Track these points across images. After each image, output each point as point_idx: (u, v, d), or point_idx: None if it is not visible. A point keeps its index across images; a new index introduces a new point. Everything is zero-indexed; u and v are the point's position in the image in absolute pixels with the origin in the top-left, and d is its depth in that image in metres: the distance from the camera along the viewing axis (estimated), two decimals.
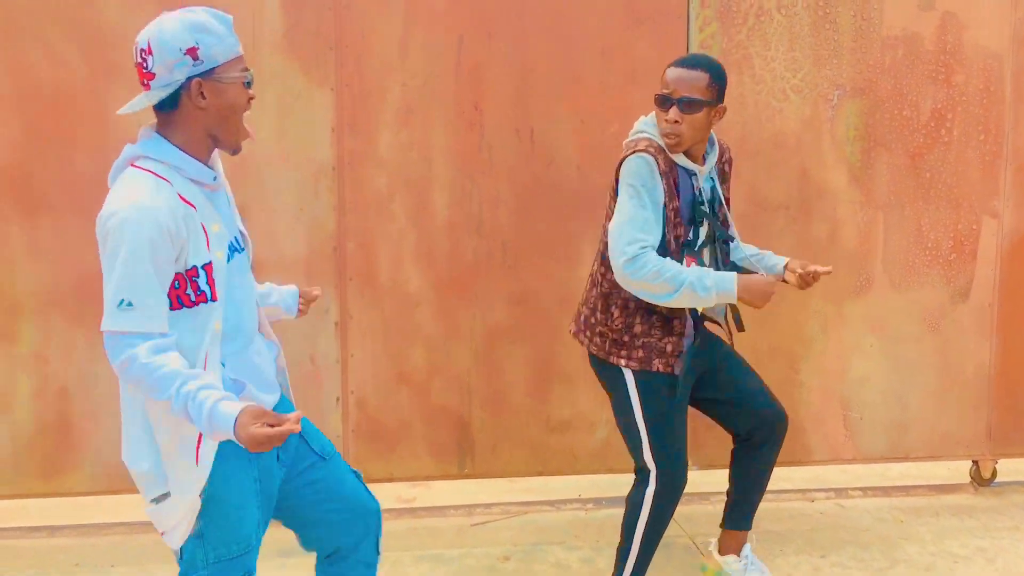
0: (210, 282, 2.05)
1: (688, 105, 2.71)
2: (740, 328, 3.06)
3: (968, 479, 4.21)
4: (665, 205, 2.73)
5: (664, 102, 2.76)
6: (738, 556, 3.20)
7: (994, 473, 4.18)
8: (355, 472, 2.48)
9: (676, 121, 2.72)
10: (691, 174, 2.82)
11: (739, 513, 3.19)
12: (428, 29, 3.65)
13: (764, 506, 3.91)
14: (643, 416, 2.86)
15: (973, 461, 4.18)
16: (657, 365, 2.83)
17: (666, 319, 2.83)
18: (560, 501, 3.98)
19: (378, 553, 2.47)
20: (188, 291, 2.02)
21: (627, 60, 3.75)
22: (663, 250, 2.74)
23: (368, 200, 3.69)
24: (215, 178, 2.15)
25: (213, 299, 2.06)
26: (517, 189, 3.76)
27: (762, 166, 3.85)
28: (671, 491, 2.90)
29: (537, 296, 3.81)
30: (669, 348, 2.83)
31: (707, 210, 2.85)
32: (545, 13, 3.71)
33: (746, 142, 3.81)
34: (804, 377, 3.98)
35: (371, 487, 3.89)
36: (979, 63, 3.92)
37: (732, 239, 3.00)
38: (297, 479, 2.31)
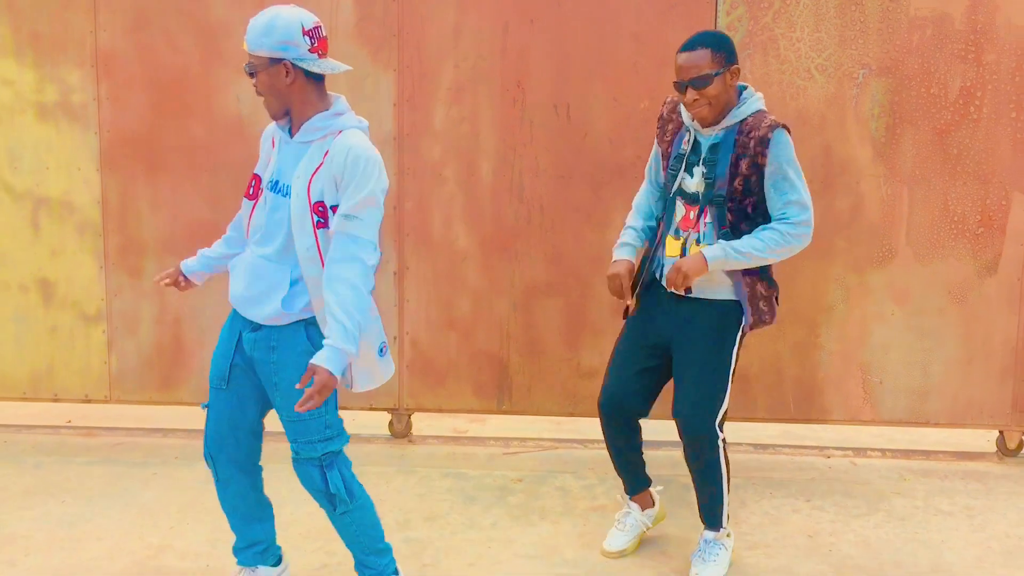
0: (255, 189, 2.73)
1: (698, 82, 2.95)
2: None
3: (995, 449, 4.33)
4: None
5: (680, 88, 3.01)
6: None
7: (1020, 444, 4.27)
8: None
9: (695, 100, 2.97)
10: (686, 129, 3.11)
11: (700, 509, 3.24)
12: (478, 17, 4.16)
13: (776, 458, 4.26)
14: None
15: (999, 431, 4.29)
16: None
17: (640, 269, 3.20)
18: (590, 440, 4.43)
19: None
20: (251, 188, 2.77)
21: (658, 43, 4.11)
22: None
23: (424, 167, 4.26)
24: (290, 133, 2.73)
25: (249, 199, 2.78)
26: (554, 159, 4.22)
27: None
28: (601, 414, 3.24)
29: (571, 256, 4.26)
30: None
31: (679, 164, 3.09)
32: (583, 1, 4.13)
33: None
34: (824, 341, 4.23)
35: (423, 416, 4.54)
36: (1012, 41, 4.00)
37: (720, 204, 3.04)
38: None
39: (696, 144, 3.07)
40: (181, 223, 4.34)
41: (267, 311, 2.66)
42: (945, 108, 4.06)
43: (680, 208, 3.07)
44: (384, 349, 2.77)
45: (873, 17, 4.04)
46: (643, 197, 3.31)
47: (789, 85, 4.09)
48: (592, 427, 4.49)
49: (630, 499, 3.37)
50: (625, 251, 3.18)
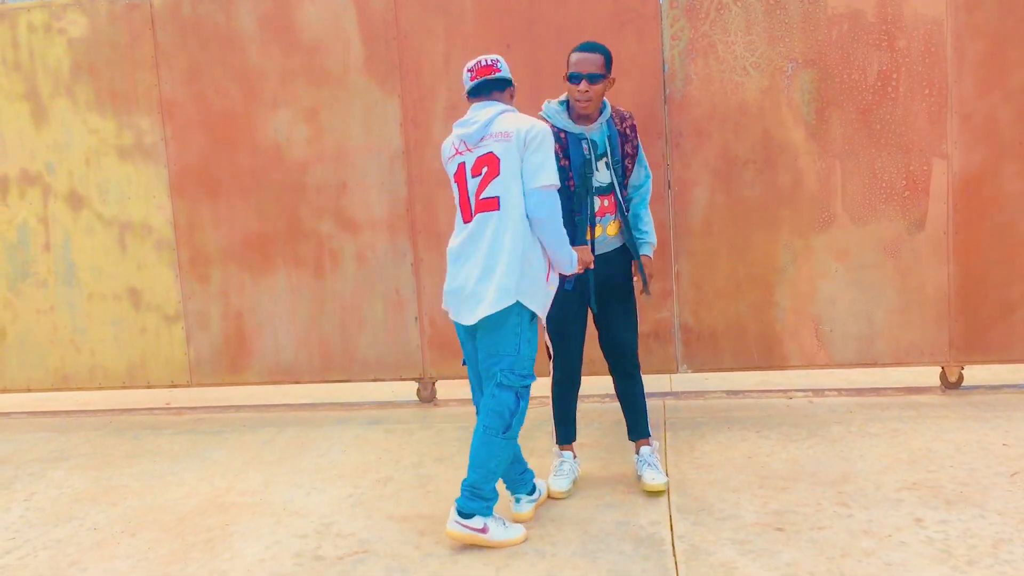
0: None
1: (593, 77, 3.65)
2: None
3: (939, 383, 4.93)
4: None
5: (575, 79, 3.68)
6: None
7: (960, 378, 4.87)
8: None
9: (586, 91, 3.65)
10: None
11: (631, 427, 4.02)
12: (463, 47, 4.99)
13: (743, 401, 4.96)
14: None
15: (941, 367, 4.89)
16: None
17: None
18: (589, 396, 5.19)
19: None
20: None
21: (616, 56, 4.85)
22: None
23: (429, 175, 5.10)
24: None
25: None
26: None
27: (731, 130, 4.81)
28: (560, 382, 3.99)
29: None
30: None
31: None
32: (551, 25, 4.91)
33: (715, 111, 4.80)
34: (779, 299, 4.90)
35: (443, 383, 5.36)
36: (920, 28, 4.62)
37: (621, 183, 3.87)
38: None
39: (593, 144, 3.77)
40: (237, 235, 5.29)
41: None
42: (866, 91, 4.70)
43: (596, 202, 3.78)
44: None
45: (796, 18, 4.71)
46: None
47: (729, 82, 4.79)
48: (588, 383, 5.26)
49: (561, 448, 4.03)
50: None
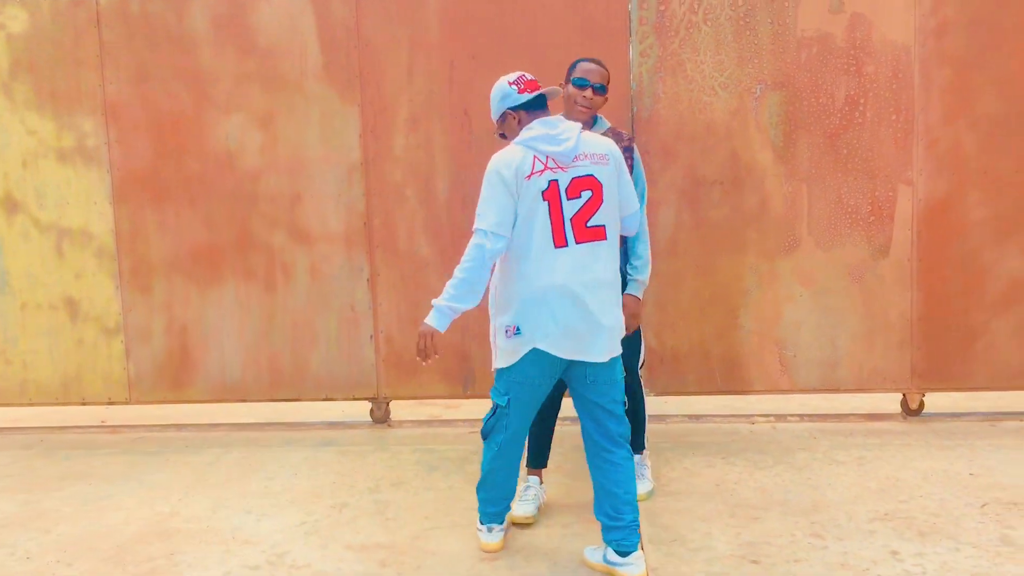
0: None
1: (600, 87, 3.69)
2: None
3: (900, 410, 4.91)
4: None
5: (582, 84, 3.69)
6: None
7: (921, 404, 4.85)
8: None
9: (590, 99, 3.68)
10: None
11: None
12: (427, 57, 4.84)
13: (706, 426, 4.87)
14: None
15: (902, 394, 4.87)
16: None
17: None
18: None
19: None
20: None
21: None
22: None
23: (388, 188, 4.93)
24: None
25: None
26: None
27: (698, 150, 4.74)
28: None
29: None
30: None
31: None
32: (518, 38, 4.79)
33: (683, 131, 4.72)
34: (743, 322, 4.83)
35: (399, 403, 5.18)
36: (888, 55, 4.61)
37: None
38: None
39: None
40: (183, 245, 5.04)
41: None
42: (833, 115, 4.67)
43: None
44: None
45: (765, 39, 4.66)
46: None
47: (697, 101, 4.72)
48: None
49: (529, 472, 3.89)
50: None
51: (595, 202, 3.13)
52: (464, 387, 5.03)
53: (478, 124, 4.84)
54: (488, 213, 3.11)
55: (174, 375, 5.14)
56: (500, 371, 3.29)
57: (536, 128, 3.17)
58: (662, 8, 4.70)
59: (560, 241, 3.11)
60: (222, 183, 4.98)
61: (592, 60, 3.77)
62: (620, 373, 3.27)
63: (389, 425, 5.11)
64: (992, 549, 3.27)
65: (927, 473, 4.05)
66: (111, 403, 5.17)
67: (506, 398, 3.27)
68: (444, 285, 3.20)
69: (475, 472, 4.33)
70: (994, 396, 5.13)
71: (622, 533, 3.17)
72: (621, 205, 3.28)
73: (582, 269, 3.11)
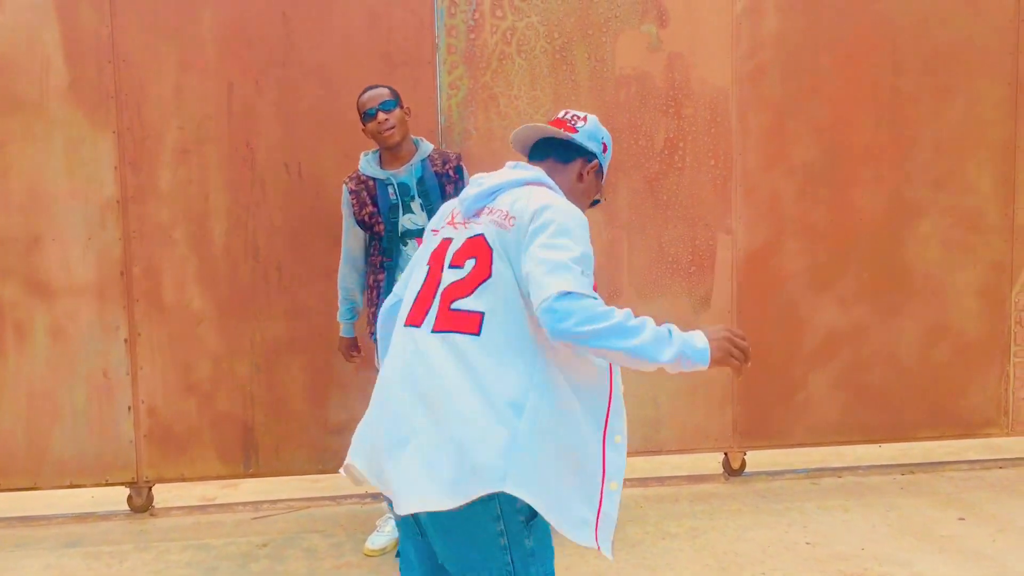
0: None
1: (386, 104, 3.63)
2: None
3: (721, 470, 4.66)
4: None
5: (369, 115, 3.64)
6: None
7: (743, 463, 4.63)
8: None
9: (386, 119, 3.60)
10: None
11: None
12: (200, 78, 4.12)
13: None
14: None
15: (724, 453, 4.63)
16: None
17: None
18: (343, 496, 4.41)
19: None
20: None
21: None
22: None
23: (151, 230, 4.14)
24: None
25: None
26: (289, 217, 4.22)
27: None
28: None
29: (312, 312, 4.26)
30: None
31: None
32: (308, 63, 4.18)
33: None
34: None
35: (165, 487, 4.37)
36: (706, 97, 4.40)
37: None
38: None
39: (401, 187, 3.61)
40: None
41: None
42: (653, 158, 4.39)
43: (412, 246, 3.56)
44: None
45: (583, 76, 4.32)
46: (349, 277, 3.82)
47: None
48: (347, 482, 4.48)
49: (391, 508, 3.40)
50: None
51: None
52: (245, 464, 4.29)
53: (262, 157, 4.17)
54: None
55: None
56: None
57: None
58: (472, 36, 4.25)
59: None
60: None
61: (368, 87, 3.70)
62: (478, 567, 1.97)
63: (152, 514, 4.27)
64: None
65: (764, 545, 3.76)
66: None
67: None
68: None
69: (263, 572, 3.62)
70: (810, 451, 5.01)
71: None
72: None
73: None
